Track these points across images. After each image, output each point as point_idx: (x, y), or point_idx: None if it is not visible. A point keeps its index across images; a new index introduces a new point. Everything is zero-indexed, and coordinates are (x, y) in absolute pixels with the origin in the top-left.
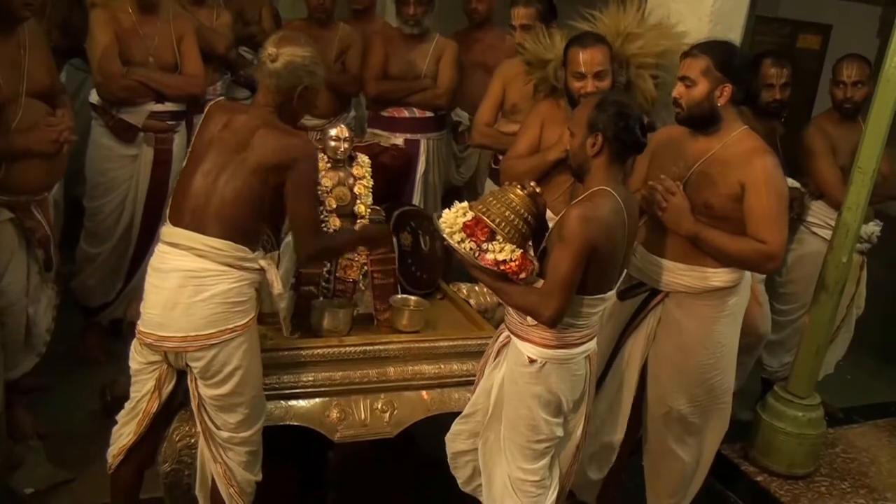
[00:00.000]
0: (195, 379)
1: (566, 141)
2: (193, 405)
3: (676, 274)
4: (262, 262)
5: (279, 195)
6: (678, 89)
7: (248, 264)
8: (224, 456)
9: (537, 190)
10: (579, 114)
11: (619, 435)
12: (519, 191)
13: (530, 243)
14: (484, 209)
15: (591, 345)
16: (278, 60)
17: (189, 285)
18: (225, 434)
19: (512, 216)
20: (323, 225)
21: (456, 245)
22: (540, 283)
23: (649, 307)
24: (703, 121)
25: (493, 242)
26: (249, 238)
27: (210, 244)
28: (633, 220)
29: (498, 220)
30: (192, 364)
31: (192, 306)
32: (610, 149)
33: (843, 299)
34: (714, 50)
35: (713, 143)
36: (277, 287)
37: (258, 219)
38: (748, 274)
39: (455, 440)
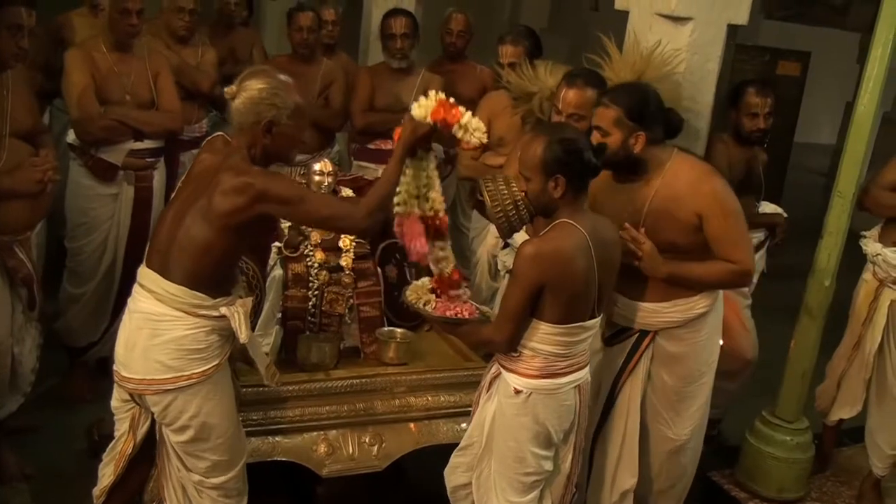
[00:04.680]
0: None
1: (522, 185)
2: (166, 448)
3: (663, 314)
4: (224, 310)
5: (245, 235)
6: (594, 136)
7: (205, 311)
8: (197, 498)
9: None
10: (528, 158)
11: (634, 479)
12: None
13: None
14: (493, 189)
15: (581, 374)
16: (237, 97)
17: (146, 328)
18: (196, 477)
19: (511, 209)
20: (307, 259)
21: (423, 310)
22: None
23: (641, 348)
24: (625, 166)
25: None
26: (209, 285)
27: (167, 289)
28: (602, 246)
29: (497, 207)
30: (151, 407)
31: (149, 349)
32: (572, 185)
33: (869, 347)
34: (624, 99)
35: (653, 182)
36: (244, 335)
37: (217, 267)
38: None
39: (453, 473)
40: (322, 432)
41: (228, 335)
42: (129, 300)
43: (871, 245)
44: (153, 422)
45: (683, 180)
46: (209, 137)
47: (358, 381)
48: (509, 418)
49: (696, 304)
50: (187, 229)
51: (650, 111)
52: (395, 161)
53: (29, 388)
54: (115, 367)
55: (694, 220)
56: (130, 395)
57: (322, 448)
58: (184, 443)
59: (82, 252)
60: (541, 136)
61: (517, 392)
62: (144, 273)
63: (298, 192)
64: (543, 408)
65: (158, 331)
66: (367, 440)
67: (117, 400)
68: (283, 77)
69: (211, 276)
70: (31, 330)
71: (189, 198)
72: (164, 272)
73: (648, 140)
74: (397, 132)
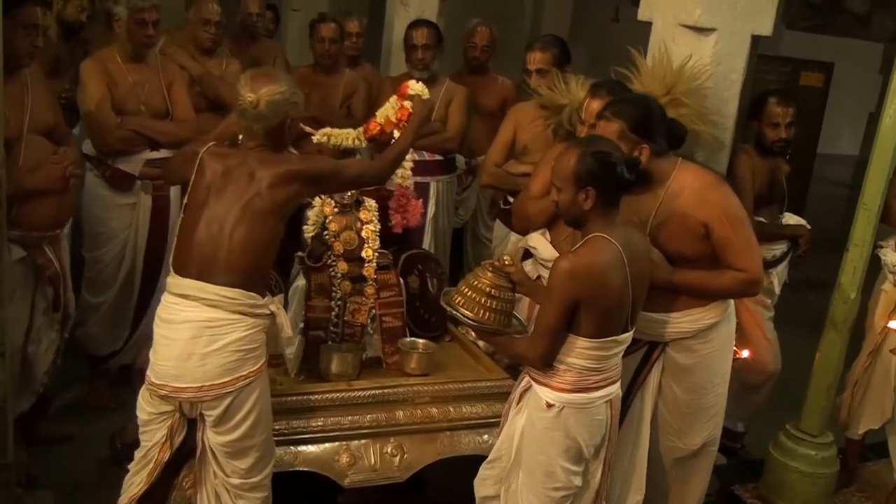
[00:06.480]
0: (205, 428)
1: (554, 196)
2: (206, 454)
3: (673, 324)
4: (272, 307)
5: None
6: None
7: (259, 311)
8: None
9: (507, 262)
10: (561, 169)
11: (640, 496)
12: (489, 272)
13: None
14: (462, 301)
15: (612, 389)
16: (261, 104)
17: (203, 335)
18: (236, 480)
19: (488, 301)
20: (330, 269)
21: (462, 317)
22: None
23: (652, 360)
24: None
25: None
26: (259, 283)
27: (222, 293)
28: (637, 259)
29: (479, 310)
30: (207, 413)
31: (207, 356)
32: (603, 197)
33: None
34: (627, 113)
35: (658, 192)
36: (287, 330)
37: (269, 261)
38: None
39: (482, 485)
40: (344, 442)
41: (267, 331)
42: (167, 314)
43: (890, 255)
44: (189, 429)
45: (689, 190)
46: (203, 152)
47: (380, 391)
48: (540, 432)
49: (707, 314)
50: (234, 232)
51: (653, 123)
52: (411, 132)
53: (41, 389)
54: (159, 382)
55: (700, 230)
56: (179, 405)
57: (344, 458)
58: (232, 441)
59: (100, 261)
60: (575, 148)
61: (549, 406)
62: (181, 283)
63: (335, 164)
64: (575, 422)
65: (217, 336)
66: (388, 451)
67: (149, 413)
68: (283, 73)
69: (263, 274)
70: (51, 332)
71: (224, 203)
72: (208, 278)
73: (653, 152)
74: (403, 89)
